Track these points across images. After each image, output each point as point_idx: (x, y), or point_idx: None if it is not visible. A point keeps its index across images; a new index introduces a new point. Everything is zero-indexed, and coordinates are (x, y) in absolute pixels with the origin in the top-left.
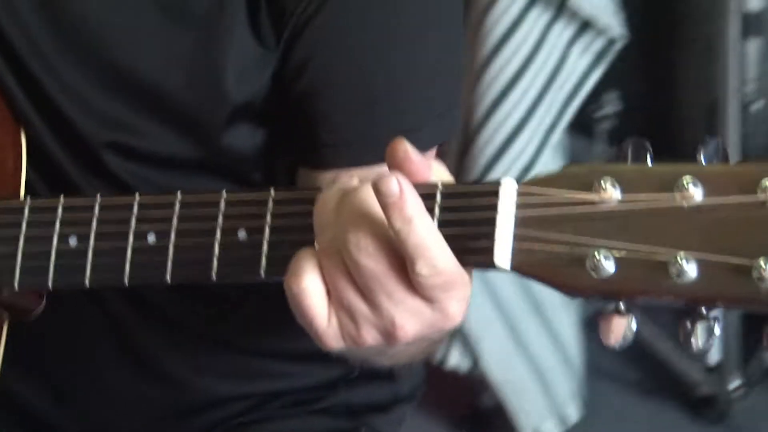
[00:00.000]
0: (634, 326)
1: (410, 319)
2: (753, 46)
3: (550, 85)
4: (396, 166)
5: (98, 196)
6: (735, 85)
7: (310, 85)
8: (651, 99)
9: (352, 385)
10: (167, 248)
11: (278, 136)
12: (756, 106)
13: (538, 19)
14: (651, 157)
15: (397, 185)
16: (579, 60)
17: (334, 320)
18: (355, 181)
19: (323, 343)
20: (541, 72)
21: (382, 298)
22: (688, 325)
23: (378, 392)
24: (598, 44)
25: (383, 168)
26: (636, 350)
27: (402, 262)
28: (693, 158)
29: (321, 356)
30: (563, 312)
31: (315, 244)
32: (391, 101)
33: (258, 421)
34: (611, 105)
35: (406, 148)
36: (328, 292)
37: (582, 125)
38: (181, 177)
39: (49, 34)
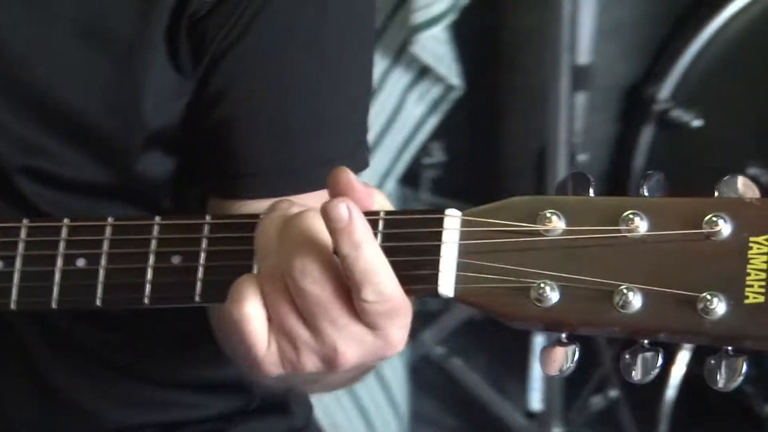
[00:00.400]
0: (576, 356)
1: (352, 346)
2: (580, 99)
3: (387, 131)
4: (339, 194)
5: (24, 220)
6: (565, 136)
7: (228, 113)
8: (476, 149)
9: (248, 419)
10: (97, 272)
11: (190, 163)
12: (581, 158)
13: (377, 64)
14: (594, 191)
15: (347, 210)
16: (415, 107)
17: (273, 346)
18: (294, 208)
19: (261, 368)
20: (379, 117)
21: (325, 324)
22: (628, 357)
23: (272, 427)
24: (435, 92)
25: (299, 198)
26: (456, 396)
27: (346, 288)
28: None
29: (221, 387)
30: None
31: (255, 269)
32: (309, 132)
33: None
34: (437, 154)
35: (348, 177)
36: (269, 318)
37: (408, 173)
38: (92, 203)
39: None
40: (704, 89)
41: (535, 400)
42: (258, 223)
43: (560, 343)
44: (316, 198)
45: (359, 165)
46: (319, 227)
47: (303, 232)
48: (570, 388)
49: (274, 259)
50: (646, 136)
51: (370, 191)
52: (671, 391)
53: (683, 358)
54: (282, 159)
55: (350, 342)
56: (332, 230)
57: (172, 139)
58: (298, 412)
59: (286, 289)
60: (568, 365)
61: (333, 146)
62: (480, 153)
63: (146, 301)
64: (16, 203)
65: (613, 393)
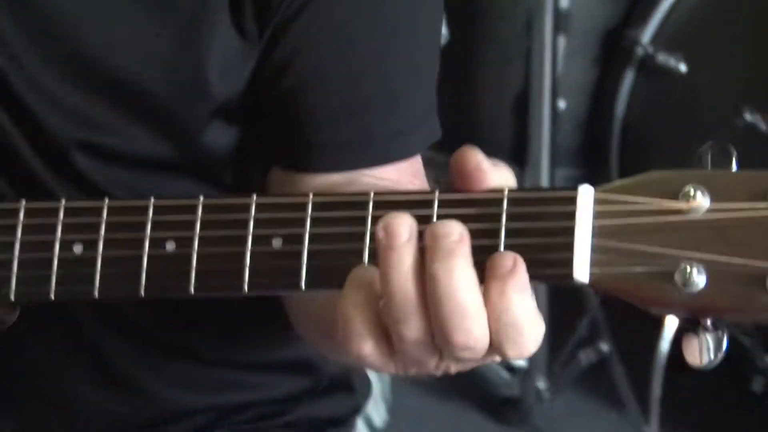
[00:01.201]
0: (726, 343)
1: (451, 368)
2: (560, 43)
3: None
4: (465, 175)
5: (23, 200)
6: (548, 82)
7: (297, 81)
8: (452, 99)
9: (316, 399)
10: (190, 257)
11: (255, 134)
12: (561, 104)
13: None
14: (737, 163)
15: (512, 261)
16: None
17: (394, 361)
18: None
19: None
20: None
21: (458, 366)
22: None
23: (340, 405)
24: None
25: (373, 171)
26: None
27: None
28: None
29: (289, 367)
30: None
31: (365, 255)
32: (381, 102)
33: None
34: None
35: (478, 158)
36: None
37: None
38: (153, 178)
39: (14, 24)
40: (689, 32)
41: None
42: (385, 254)
43: (706, 329)
44: (391, 171)
45: (431, 135)
46: (471, 278)
47: (457, 291)
48: (554, 344)
49: (408, 303)
50: (628, 81)
51: (495, 169)
52: (665, 343)
53: None
54: (353, 130)
55: (450, 366)
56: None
57: (236, 109)
58: (361, 389)
59: (428, 330)
60: (718, 354)
61: (406, 117)
62: (457, 103)
63: (246, 288)
64: (73, 181)
65: (604, 346)
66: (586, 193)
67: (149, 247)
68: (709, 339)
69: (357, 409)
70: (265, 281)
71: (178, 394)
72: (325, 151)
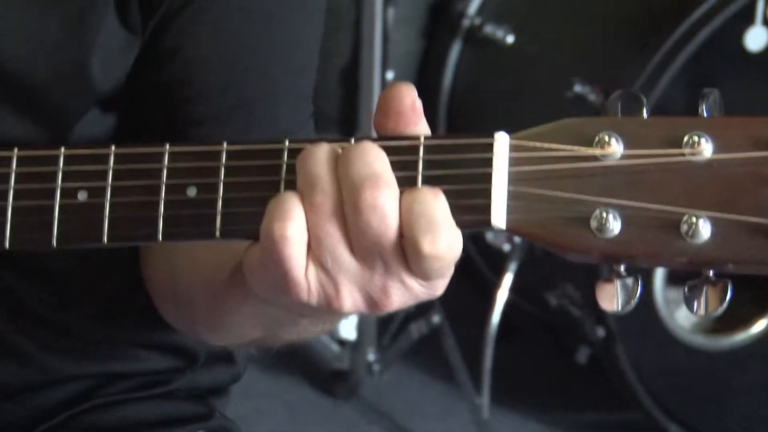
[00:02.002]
0: (639, 290)
1: (401, 290)
2: (390, 14)
3: None
4: (398, 113)
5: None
6: (379, 52)
7: (181, 71)
8: None
9: (196, 371)
10: (103, 206)
11: (129, 124)
12: (388, 75)
13: None
14: (647, 111)
15: None
16: None
17: (312, 275)
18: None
19: (292, 293)
20: None
21: (379, 264)
22: (691, 290)
23: (221, 375)
24: None
25: None
26: None
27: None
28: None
29: (167, 348)
30: None
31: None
32: (263, 98)
33: (103, 406)
34: None
35: (414, 97)
36: (309, 246)
37: None
38: None
39: None
40: (515, 4)
41: (346, 327)
42: (305, 149)
43: (619, 275)
44: None
45: (309, 134)
46: (386, 161)
47: (372, 164)
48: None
49: (330, 188)
50: (454, 52)
51: (422, 116)
52: (496, 315)
53: (507, 281)
54: (236, 123)
55: (399, 286)
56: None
57: (114, 98)
58: (241, 360)
59: (341, 220)
60: (631, 300)
61: (288, 115)
62: None
63: (160, 236)
64: None
65: (435, 318)
66: (501, 140)
67: (61, 196)
68: (623, 285)
69: (237, 378)
70: (180, 230)
71: (55, 361)
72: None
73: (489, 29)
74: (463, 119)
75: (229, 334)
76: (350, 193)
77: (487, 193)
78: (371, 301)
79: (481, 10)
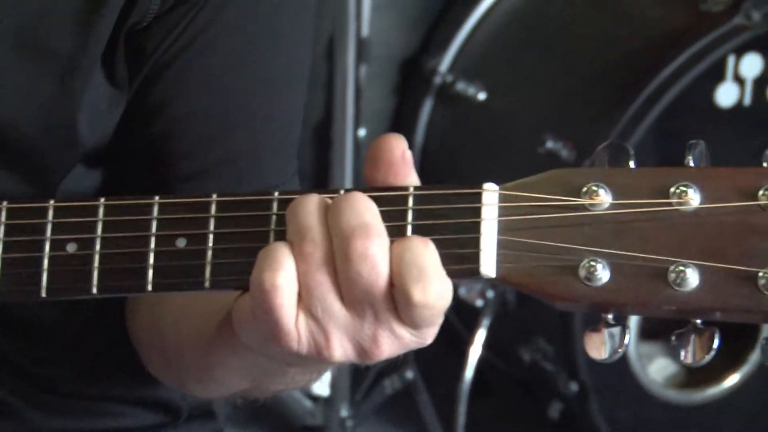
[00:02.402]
0: (627, 337)
1: (391, 339)
2: (362, 71)
3: None
4: (388, 164)
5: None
6: (351, 110)
7: (167, 127)
8: None
9: (180, 424)
10: (92, 257)
11: (116, 178)
12: (361, 132)
13: None
14: (634, 162)
15: None
16: None
17: (303, 324)
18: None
19: (282, 342)
20: None
21: (369, 312)
22: (679, 338)
23: (202, 430)
24: None
25: None
26: None
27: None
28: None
29: (148, 404)
30: None
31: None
32: (250, 154)
33: None
34: None
35: (404, 148)
36: (300, 295)
37: None
38: None
39: None
40: (486, 61)
41: (320, 384)
42: (295, 200)
43: (607, 324)
44: None
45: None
46: (376, 211)
47: (362, 213)
48: (357, 371)
49: (320, 238)
50: (426, 109)
51: (412, 167)
52: (469, 372)
53: (480, 337)
54: (222, 178)
55: (389, 335)
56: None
57: (101, 154)
58: (221, 414)
59: (332, 269)
60: (619, 348)
61: (274, 171)
62: None
63: (149, 287)
64: None
65: (409, 374)
66: (490, 191)
67: (50, 248)
68: (610, 334)
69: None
70: (170, 281)
71: (40, 418)
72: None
73: (461, 86)
74: (435, 176)
75: (217, 386)
76: (341, 243)
77: (476, 243)
78: (361, 350)
79: (452, 68)
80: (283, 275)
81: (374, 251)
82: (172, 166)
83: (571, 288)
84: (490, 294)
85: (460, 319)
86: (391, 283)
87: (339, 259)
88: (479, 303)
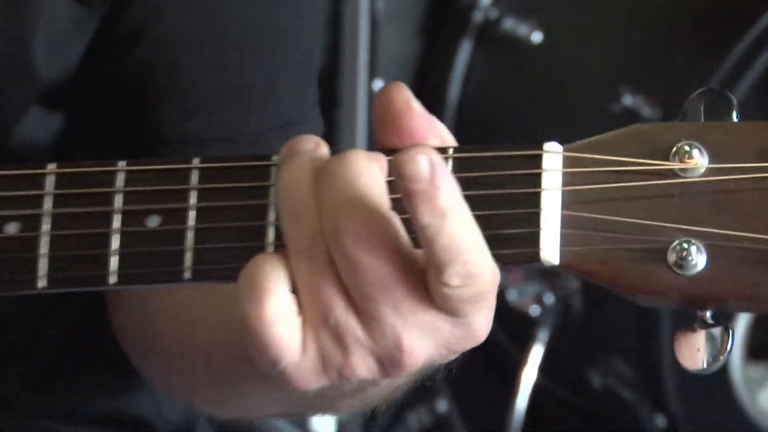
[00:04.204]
0: (731, 342)
1: (423, 338)
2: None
3: None
4: (391, 121)
5: None
6: (364, 57)
7: (146, 59)
8: None
9: None
10: (36, 240)
11: (84, 125)
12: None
13: None
14: (737, 115)
15: (428, 165)
16: None
17: (312, 348)
18: (324, 149)
19: (294, 382)
20: None
21: (386, 310)
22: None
23: None
24: None
25: None
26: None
27: (413, 261)
28: None
29: (117, 419)
30: None
31: (270, 234)
32: (256, 88)
33: None
34: None
35: (407, 96)
36: (301, 307)
37: None
38: None
39: None
40: None
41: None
42: (279, 171)
43: (704, 324)
44: None
45: (316, 130)
46: (375, 176)
47: (354, 182)
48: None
49: (312, 222)
50: (463, 54)
51: (432, 121)
52: (521, 402)
53: (536, 357)
54: (218, 123)
55: (420, 333)
56: (407, 191)
57: (64, 92)
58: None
59: (331, 264)
60: (720, 355)
61: (285, 108)
62: None
63: (113, 279)
64: None
65: (442, 405)
66: (553, 152)
67: None
68: (709, 336)
69: None
70: (139, 270)
71: None
72: (180, 148)
73: (509, 25)
74: (475, 140)
75: (242, 412)
76: (329, 227)
77: (535, 220)
78: (390, 361)
79: (497, 1)
80: (272, 304)
81: (370, 229)
82: (158, 107)
83: (658, 277)
84: (548, 299)
85: (508, 334)
86: (409, 261)
87: (332, 248)
88: (534, 311)
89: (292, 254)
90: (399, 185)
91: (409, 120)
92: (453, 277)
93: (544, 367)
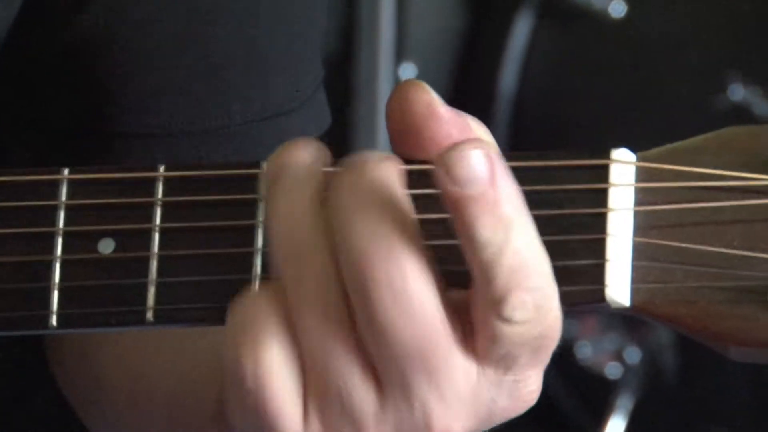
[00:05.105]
0: None
1: (460, 412)
2: None
3: None
4: (410, 131)
5: None
6: (389, 36)
7: (97, 29)
8: None
9: None
10: None
11: (10, 115)
12: (405, 70)
13: None
14: None
15: (486, 162)
16: None
17: (315, 424)
18: (326, 157)
19: None
20: None
21: (418, 380)
22: None
23: None
24: None
25: None
26: None
27: (455, 310)
28: None
29: None
30: None
31: (257, 269)
32: (246, 64)
33: None
34: None
35: (430, 99)
36: (302, 365)
37: None
38: None
39: None
40: None
41: None
42: (270, 197)
43: None
44: None
45: (317, 121)
46: (396, 194)
47: (377, 206)
48: None
49: (320, 264)
50: (521, 32)
51: (466, 127)
52: None
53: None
54: (190, 112)
55: (458, 407)
56: (457, 200)
57: None
58: None
59: (346, 319)
60: None
61: (277, 91)
62: None
63: (54, 321)
64: None
65: None
66: (623, 162)
67: None
68: None
69: None
70: (88, 311)
71: None
72: (145, 146)
73: None
74: (535, 139)
75: None
76: (348, 269)
77: (599, 249)
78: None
79: None
80: (271, 352)
81: (404, 272)
82: (101, 98)
83: (757, 323)
84: (631, 356)
85: (578, 401)
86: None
87: (353, 299)
88: (613, 373)
89: (292, 302)
90: (445, 193)
91: (434, 130)
92: (518, 310)
93: None
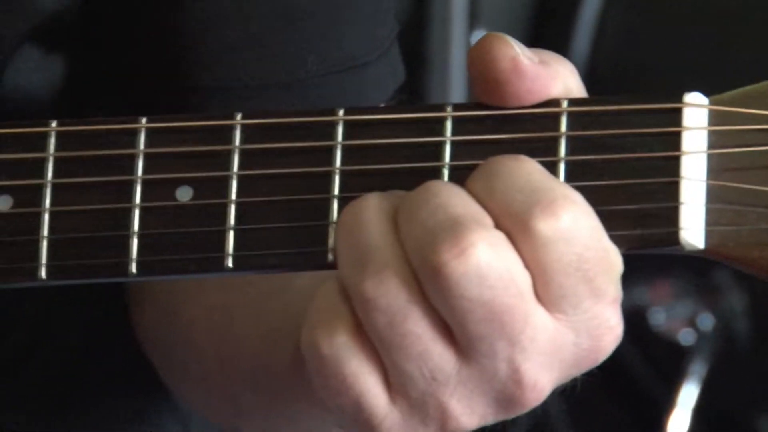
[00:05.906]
0: None
1: (547, 364)
2: None
3: None
4: (494, 85)
5: None
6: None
7: None
8: None
9: None
10: (39, 217)
11: (89, 72)
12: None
13: None
14: None
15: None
16: None
17: (402, 401)
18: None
19: None
20: None
21: (499, 345)
22: None
23: None
24: None
25: None
26: None
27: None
28: None
29: None
30: None
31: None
32: (321, 16)
33: None
34: None
35: (513, 53)
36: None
37: None
38: None
39: None
40: None
41: None
42: (345, 211)
43: None
44: None
45: (394, 74)
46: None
47: (444, 208)
48: None
49: (395, 261)
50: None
51: (553, 77)
52: None
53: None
54: (265, 64)
55: (543, 359)
56: None
57: (65, 29)
58: None
59: (423, 298)
60: None
61: (352, 43)
62: None
63: (133, 268)
64: None
65: None
66: (696, 106)
67: None
68: None
69: None
70: (167, 257)
71: None
72: (221, 99)
73: None
74: None
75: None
76: (420, 265)
77: (673, 192)
78: (507, 402)
79: None
80: (342, 334)
81: (479, 264)
82: (180, 55)
83: None
84: (705, 323)
85: (651, 368)
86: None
87: (427, 289)
88: (686, 339)
89: (358, 304)
90: None
91: (517, 85)
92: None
93: (699, 413)
